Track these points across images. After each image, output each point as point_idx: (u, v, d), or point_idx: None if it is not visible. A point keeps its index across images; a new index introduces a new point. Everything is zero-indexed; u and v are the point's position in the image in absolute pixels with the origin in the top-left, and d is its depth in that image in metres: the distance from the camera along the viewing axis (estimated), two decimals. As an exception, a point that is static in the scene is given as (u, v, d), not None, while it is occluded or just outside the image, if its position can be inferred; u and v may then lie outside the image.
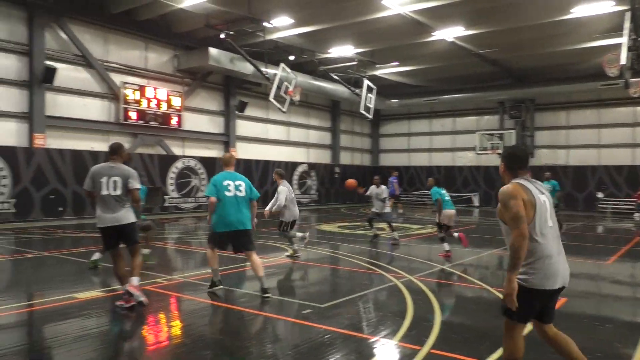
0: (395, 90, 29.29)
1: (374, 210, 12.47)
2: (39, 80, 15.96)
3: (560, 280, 3.32)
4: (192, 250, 11.36)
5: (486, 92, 26.92)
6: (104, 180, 5.91)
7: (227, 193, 6.45)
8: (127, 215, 5.99)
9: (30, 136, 16.08)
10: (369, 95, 23.87)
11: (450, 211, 10.15)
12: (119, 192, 5.92)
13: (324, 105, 29.00)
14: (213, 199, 6.41)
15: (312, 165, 27.48)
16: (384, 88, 27.75)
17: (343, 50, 21.21)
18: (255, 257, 6.57)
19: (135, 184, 6.01)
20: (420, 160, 30.90)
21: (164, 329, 5.46)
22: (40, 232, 13.71)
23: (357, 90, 23.96)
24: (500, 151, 25.57)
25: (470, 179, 28.70)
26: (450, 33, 18.42)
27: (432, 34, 18.53)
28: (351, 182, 12.09)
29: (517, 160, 3.52)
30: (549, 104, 26.75)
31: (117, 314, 5.97)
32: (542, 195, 3.37)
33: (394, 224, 12.70)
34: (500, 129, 26.93)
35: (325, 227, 15.94)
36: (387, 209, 12.42)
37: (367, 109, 23.83)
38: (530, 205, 3.27)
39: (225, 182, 6.51)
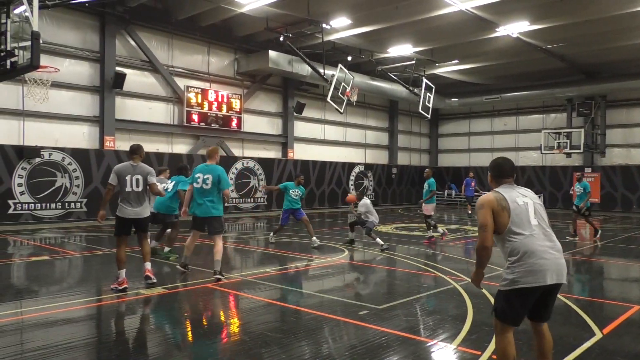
0: (455, 88, 28.61)
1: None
2: (109, 85, 16.84)
3: (550, 276, 3.35)
4: (251, 249, 11.57)
5: (553, 89, 25.72)
6: (128, 178, 6.66)
7: (195, 184, 7.53)
8: (145, 211, 6.85)
9: (101, 139, 16.99)
10: (428, 94, 23.41)
11: (433, 205, 12.83)
12: (140, 188, 6.71)
13: (382, 106, 28.78)
14: (190, 186, 7.59)
15: (369, 166, 27.33)
16: (444, 87, 27.17)
17: (401, 50, 20.94)
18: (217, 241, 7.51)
19: (153, 179, 6.82)
20: (482, 160, 29.97)
21: (224, 326, 5.59)
22: (109, 230, 14.43)
23: (416, 90, 23.58)
24: (567, 150, 24.41)
25: (535, 179, 27.54)
26: (515, 28, 17.74)
27: (496, 30, 17.92)
28: (351, 197, 12.37)
29: (501, 171, 3.72)
30: (623, 100, 25.20)
31: (178, 310, 6.17)
32: (524, 198, 3.54)
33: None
34: (568, 127, 25.64)
35: (381, 228, 15.79)
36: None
37: (425, 108, 23.39)
38: (503, 210, 3.45)
39: (197, 175, 7.55)
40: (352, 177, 26.11)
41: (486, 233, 3.45)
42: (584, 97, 25.24)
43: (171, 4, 17.78)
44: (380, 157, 28.82)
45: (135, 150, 6.89)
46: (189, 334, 5.30)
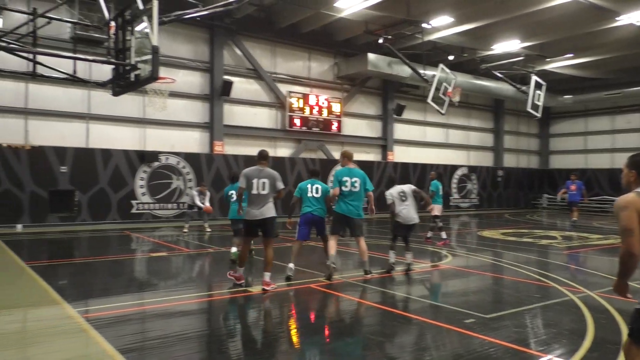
0: (568, 85, 26.63)
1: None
2: (218, 93, 17.89)
3: None
4: (351, 251, 11.61)
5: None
6: (254, 181, 6.83)
7: (343, 188, 7.91)
8: (269, 212, 6.93)
9: (211, 143, 18.08)
10: (538, 92, 22.02)
11: (439, 205, 12.59)
12: (266, 191, 6.87)
13: (486, 105, 27.57)
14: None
15: (472, 169, 26.30)
16: (555, 83, 25.42)
17: (508, 46, 19.92)
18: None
19: (281, 185, 7.10)
20: (600, 161, 27.54)
21: (326, 326, 5.66)
22: (219, 229, 15.27)
23: (524, 88, 22.29)
24: None
25: (664, 183, 24.72)
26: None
27: (617, 19, 16.42)
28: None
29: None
30: None
31: (282, 309, 6.35)
32: None
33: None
34: None
35: (487, 233, 15.09)
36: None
37: (535, 107, 22.01)
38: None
39: (344, 178, 7.98)
40: (454, 180, 25.28)
41: (632, 238, 2.93)
42: None
43: (274, 13, 18.47)
44: (484, 159, 27.61)
45: (265, 157, 7.19)
46: (293, 332, 5.43)
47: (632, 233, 2.93)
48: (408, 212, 8.54)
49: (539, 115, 22.50)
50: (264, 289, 6.86)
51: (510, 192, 28.13)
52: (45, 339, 4.83)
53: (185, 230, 14.11)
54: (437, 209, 12.30)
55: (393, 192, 8.74)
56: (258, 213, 6.85)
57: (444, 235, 12.32)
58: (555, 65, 22.89)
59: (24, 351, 4.58)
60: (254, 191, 6.85)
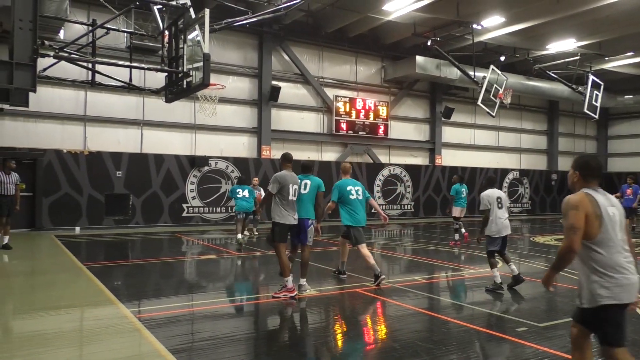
0: (628, 84, 25.36)
1: None
2: (266, 98, 18.16)
3: (633, 294, 3.14)
4: (398, 256, 11.49)
5: None
6: (290, 187, 6.66)
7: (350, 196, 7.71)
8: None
9: (259, 148, 18.36)
10: (595, 92, 21.09)
11: (460, 208, 12.90)
12: (294, 198, 6.74)
13: (539, 107, 26.65)
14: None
15: (524, 172, 25.46)
16: (614, 83, 24.29)
17: (563, 45, 19.21)
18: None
19: (322, 188, 7.10)
20: (664, 165, 26.09)
21: (374, 332, 5.61)
22: (264, 232, 15.46)
23: (580, 88, 21.40)
24: None
25: None
26: None
27: (681, 14, 15.53)
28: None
29: (591, 171, 3.34)
30: None
31: (329, 313, 6.35)
32: (612, 208, 3.21)
33: None
34: None
35: (540, 239, 14.56)
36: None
37: (592, 108, 21.08)
38: (595, 217, 3.14)
39: (349, 188, 7.82)
40: (505, 184, 24.56)
41: (576, 236, 3.13)
42: None
43: (321, 18, 18.57)
44: (537, 163, 26.68)
45: (291, 159, 6.95)
46: (339, 336, 5.41)
47: (577, 232, 3.12)
48: (504, 221, 7.51)
49: (596, 116, 21.55)
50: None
51: (565, 196, 26.99)
52: (101, 337, 5.04)
53: (256, 233, 14.25)
54: (456, 211, 12.96)
55: (491, 195, 7.48)
56: (294, 219, 6.77)
57: (456, 236, 12.90)
58: (614, 64, 21.87)
59: (81, 349, 4.79)
60: (291, 197, 6.69)
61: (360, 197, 7.83)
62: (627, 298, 3.14)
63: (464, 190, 13.17)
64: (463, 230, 12.92)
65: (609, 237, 3.15)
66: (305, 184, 7.13)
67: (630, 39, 18.54)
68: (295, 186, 6.78)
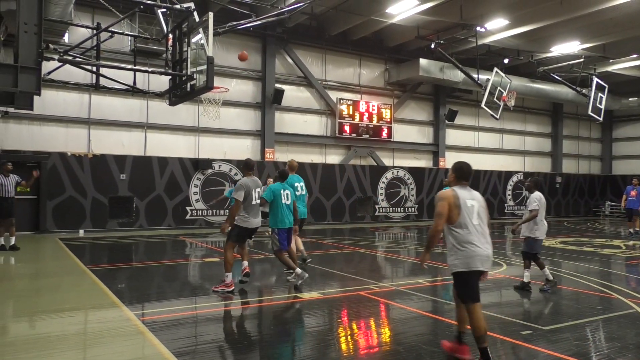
0: (633, 87, 25.27)
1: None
2: (269, 101, 18.19)
3: (480, 264, 4.25)
4: (402, 259, 11.46)
5: None
6: (253, 192, 7.18)
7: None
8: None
9: (262, 151, 18.38)
10: (599, 94, 21.04)
11: None
12: (259, 201, 7.32)
13: (543, 109, 26.58)
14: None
15: (528, 175, 25.37)
16: (619, 85, 24.21)
17: (567, 48, 19.18)
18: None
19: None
20: (669, 167, 25.97)
21: (377, 335, 5.60)
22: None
23: (584, 91, 21.35)
24: None
25: None
26: None
27: (684, 16, 15.49)
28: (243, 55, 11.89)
29: (463, 173, 4.51)
30: None
31: (332, 316, 6.34)
32: (471, 201, 4.36)
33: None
34: None
35: (544, 242, 14.48)
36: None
37: (596, 110, 21.03)
38: (456, 207, 4.26)
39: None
40: (509, 187, 24.50)
41: (441, 220, 4.28)
42: None
43: (325, 21, 18.60)
44: (541, 165, 26.60)
45: (252, 167, 7.48)
46: (342, 339, 5.40)
47: (442, 217, 4.26)
48: (544, 224, 7.49)
49: (600, 119, 21.50)
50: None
51: (570, 199, 26.94)
52: (105, 340, 5.04)
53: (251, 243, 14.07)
54: None
55: (542, 198, 7.42)
56: (258, 222, 7.41)
57: None
58: (619, 66, 21.82)
59: (85, 352, 4.79)
60: (254, 202, 7.27)
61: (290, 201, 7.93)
62: (474, 266, 4.24)
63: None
64: None
65: (465, 222, 4.26)
66: (287, 194, 7.72)
67: (635, 41, 18.49)
68: (259, 189, 7.32)
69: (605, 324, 5.90)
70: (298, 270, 7.56)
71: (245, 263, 7.57)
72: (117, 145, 16.12)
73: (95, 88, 9.99)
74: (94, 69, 9.92)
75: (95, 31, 9.70)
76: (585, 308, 6.70)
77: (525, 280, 7.55)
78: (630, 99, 25.82)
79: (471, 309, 4.23)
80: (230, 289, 7.07)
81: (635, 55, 20.32)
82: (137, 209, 16.03)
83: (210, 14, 8.19)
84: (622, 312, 6.33)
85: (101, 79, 9.80)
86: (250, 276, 7.63)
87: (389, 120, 20.76)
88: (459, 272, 4.30)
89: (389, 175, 21.00)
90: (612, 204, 27.01)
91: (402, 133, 21.63)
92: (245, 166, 7.42)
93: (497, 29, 17.33)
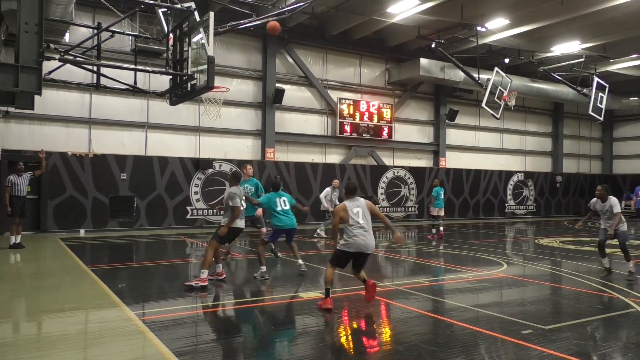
0: (633, 86, 25.27)
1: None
2: (270, 101, 18.19)
3: (362, 248, 6.26)
4: (402, 258, 11.47)
5: None
6: (240, 200, 7.76)
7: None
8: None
9: (263, 150, 18.39)
10: (600, 94, 21.03)
11: (438, 208, 14.95)
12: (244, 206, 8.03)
13: (544, 109, 26.57)
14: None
15: (529, 174, 25.38)
16: (619, 85, 24.20)
17: (567, 47, 19.18)
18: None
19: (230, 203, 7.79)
20: (669, 167, 25.96)
21: (378, 334, 5.60)
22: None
23: (585, 90, 21.34)
24: None
25: None
26: None
27: (685, 16, 15.47)
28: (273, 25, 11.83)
29: (349, 190, 6.54)
30: None
31: (335, 316, 6.34)
32: (356, 208, 6.36)
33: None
34: None
35: (545, 241, 14.50)
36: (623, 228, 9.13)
37: (597, 110, 21.03)
38: (345, 212, 6.29)
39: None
40: (510, 186, 24.50)
41: (336, 221, 6.42)
42: None
43: (325, 21, 18.60)
44: (542, 165, 26.59)
45: (239, 178, 8.24)
46: (343, 339, 5.41)
47: (336, 218, 6.37)
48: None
49: (601, 118, 21.49)
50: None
51: (570, 199, 26.93)
52: (105, 340, 5.05)
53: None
54: (436, 211, 15.02)
55: (617, 200, 9.13)
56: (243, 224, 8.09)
57: (434, 230, 14.98)
58: (619, 66, 21.81)
59: (86, 352, 4.79)
60: (242, 207, 7.87)
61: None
62: (351, 249, 6.23)
63: (442, 192, 15.18)
64: (441, 228, 14.88)
65: (353, 221, 6.22)
66: (284, 201, 8.53)
67: (635, 41, 18.48)
68: (243, 197, 8.02)
69: (605, 324, 5.90)
70: (264, 268, 8.26)
71: (220, 266, 8.14)
72: (117, 145, 16.13)
73: (96, 88, 9.97)
74: (95, 68, 9.92)
75: (96, 31, 9.71)
76: (585, 307, 6.71)
77: (607, 266, 9.00)
78: (630, 98, 25.82)
79: (328, 266, 6.40)
80: (205, 284, 7.42)
81: (635, 55, 20.31)
82: (138, 209, 16.04)
83: (211, 14, 8.18)
84: (623, 312, 6.33)
85: (102, 78, 9.78)
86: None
87: (389, 119, 20.75)
88: (341, 249, 6.30)
89: (389, 174, 21.00)
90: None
91: (403, 133, 21.62)
92: (236, 178, 8.15)
93: (497, 28, 17.33)
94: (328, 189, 14.78)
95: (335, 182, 14.98)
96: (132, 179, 15.92)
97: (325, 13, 17.40)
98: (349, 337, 5.45)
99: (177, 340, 5.00)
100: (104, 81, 9.99)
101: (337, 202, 14.33)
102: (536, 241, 14.78)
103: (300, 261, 8.64)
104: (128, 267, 9.82)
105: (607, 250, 9.28)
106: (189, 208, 16.81)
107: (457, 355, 4.69)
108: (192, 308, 6.53)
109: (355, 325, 5.87)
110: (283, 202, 8.51)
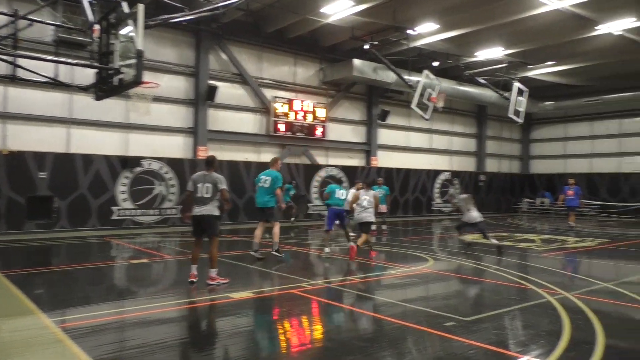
0: (549, 91, 27.06)
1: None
2: (203, 98, 17.81)
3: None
4: (335, 256, 11.62)
5: (662, 90, 23.52)
6: (200, 185, 7.50)
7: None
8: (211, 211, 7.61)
9: (195, 149, 17.97)
10: (520, 98, 22.36)
11: (383, 205, 15.67)
12: (210, 194, 7.53)
13: (469, 111, 27.86)
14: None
15: (455, 173, 26.53)
16: (537, 90, 25.79)
17: (491, 53, 20.20)
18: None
19: (222, 185, 7.61)
20: (579, 166, 28.03)
21: (308, 332, 5.65)
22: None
23: (506, 94, 22.60)
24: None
25: (641, 186, 25.28)
26: (618, 26, 16.46)
27: (596, 28, 16.75)
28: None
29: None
30: None
31: (264, 315, 6.34)
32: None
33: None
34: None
35: (468, 237, 15.20)
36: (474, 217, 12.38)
37: (517, 113, 22.34)
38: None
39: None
40: (437, 185, 25.47)
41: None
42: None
43: (261, 18, 18.45)
44: (467, 164, 27.87)
45: (212, 163, 7.73)
46: (274, 338, 5.41)
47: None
48: None
49: (520, 121, 22.81)
50: (207, 283, 7.54)
51: (492, 197, 28.42)
52: (19, 350, 4.73)
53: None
54: (382, 208, 15.69)
55: None
56: (198, 210, 7.55)
57: (373, 227, 14.33)
58: (538, 72, 23.24)
59: (-1, 360, 4.49)
60: (198, 194, 7.50)
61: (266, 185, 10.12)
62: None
63: (382, 191, 15.86)
64: (384, 226, 16.25)
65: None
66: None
67: (551, 49, 19.75)
68: (207, 184, 7.62)
69: (521, 313, 6.30)
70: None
71: (212, 270, 7.80)
72: (36, 142, 15.14)
73: (13, 80, 9.36)
74: (11, 59, 9.30)
75: (13, 19, 9.09)
76: (503, 299, 7.12)
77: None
78: (546, 102, 27.60)
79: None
80: (227, 281, 7.65)
81: (552, 62, 21.75)
82: (58, 209, 15.17)
83: (141, 6, 7.89)
84: (536, 302, 6.78)
85: (19, 70, 9.19)
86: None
87: (323, 119, 20.95)
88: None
89: (322, 173, 21.20)
90: (530, 200, 28.87)
91: (336, 132, 21.90)
92: (211, 163, 7.80)
93: (427, 32, 17.95)
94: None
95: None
96: (52, 178, 15.03)
97: (261, 10, 17.27)
98: (280, 335, 5.46)
99: (100, 347, 4.80)
100: (21, 73, 9.39)
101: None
102: (460, 237, 15.44)
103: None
104: (47, 272, 9.26)
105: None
106: (114, 208, 16.10)
107: (385, 349, 4.83)
108: (118, 312, 6.28)
109: (286, 324, 5.88)
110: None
